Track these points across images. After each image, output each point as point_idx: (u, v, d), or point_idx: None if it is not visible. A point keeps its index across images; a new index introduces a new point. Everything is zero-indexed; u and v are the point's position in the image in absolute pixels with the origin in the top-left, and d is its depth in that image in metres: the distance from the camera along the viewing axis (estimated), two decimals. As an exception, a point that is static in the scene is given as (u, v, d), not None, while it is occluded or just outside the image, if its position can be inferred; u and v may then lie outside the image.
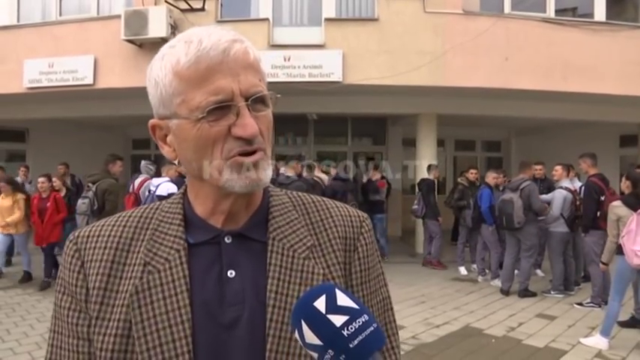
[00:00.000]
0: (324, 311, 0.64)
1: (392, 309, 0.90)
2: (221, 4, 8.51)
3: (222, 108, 0.72)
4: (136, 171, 8.77)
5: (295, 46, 8.23)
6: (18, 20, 9.50)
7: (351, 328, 0.63)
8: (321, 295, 0.66)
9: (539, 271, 7.93)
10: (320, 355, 0.64)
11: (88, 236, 0.82)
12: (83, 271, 0.79)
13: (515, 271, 6.99)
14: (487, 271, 7.73)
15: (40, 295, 6.46)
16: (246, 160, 0.75)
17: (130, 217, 0.84)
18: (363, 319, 0.64)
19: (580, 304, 6.18)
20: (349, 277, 0.83)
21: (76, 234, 0.83)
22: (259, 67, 0.78)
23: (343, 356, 0.62)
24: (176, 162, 0.87)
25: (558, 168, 6.78)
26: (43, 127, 12.52)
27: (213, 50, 0.72)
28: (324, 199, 0.92)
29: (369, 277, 0.86)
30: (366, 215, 0.91)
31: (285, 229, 0.83)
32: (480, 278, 7.71)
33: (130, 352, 0.73)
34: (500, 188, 7.80)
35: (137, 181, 6.72)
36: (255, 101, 0.75)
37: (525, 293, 6.59)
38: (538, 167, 7.72)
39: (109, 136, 13.61)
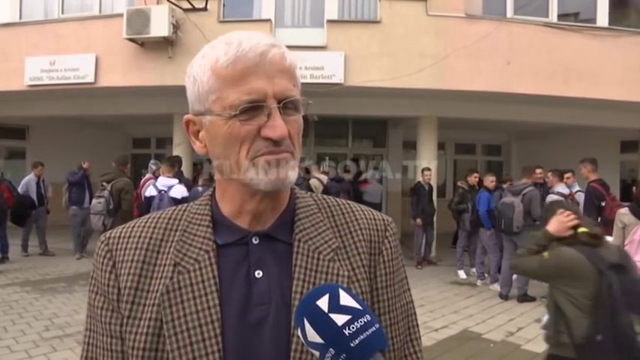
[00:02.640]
0: (326, 310, 0.65)
1: (415, 313, 0.91)
2: (223, 4, 8.50)
3: (254, 108, 0.75)
4: (137, 170, 8.77)
5: (297, 47, 8.20)
6: (20, 17, 9.50)
7: (353, 328, 0.63)
8: (325, 294, 0.67)
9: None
10: (321, 353, 0.65)
11: (120, 237, 0.84)
12: (115, 271, 0.81)
13: (514, 276, 6.97)
14: (486, 275, 7.71)
15: (37, 294, 6.45)
16: (272, 157, 0.76)
17: (159, 218, 0.87)
18: (365, 320, 0.65)
19: (579, 309, 6.15)
20: (374, 280, 0.84)
21: (108, 235, 0.85)
22: (294, 72, 0.81)
23: (344, 355, 0.63)
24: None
25: (549, 174, 6.91)
26: (44, 124, 12.54)
27: (251, 52, 0.75)
28: (349, 202, 0.93)
29: (393, 281, 0.87)
30: (390, 219, 0.92)
31: (310, 230, 0.84)
32: (479, 282, 7.69)
33: (161, 351, 0.75)
34: (503, 191, 7.80)
35: (142, 181, 6.77)
36: (287, 105, 0.77)
37: (524, 298, 6.58)
38: (538, 171, 7.71)
39: (109, 134, 13.60)
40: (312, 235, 0.83)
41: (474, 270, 8.10)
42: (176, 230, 0.84)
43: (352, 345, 0.62)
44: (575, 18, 9.15)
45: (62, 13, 9.26)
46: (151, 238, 0.83)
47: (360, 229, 0.87)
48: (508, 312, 6.13)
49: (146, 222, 0.86)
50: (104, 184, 6.13)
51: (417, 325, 0.91)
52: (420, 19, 8.08)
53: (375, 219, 0.90)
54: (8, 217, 8.27)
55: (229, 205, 0.84)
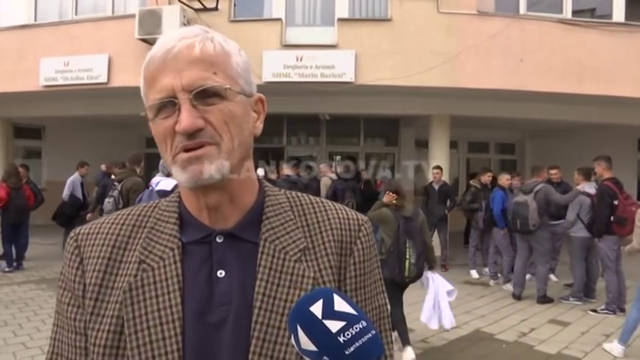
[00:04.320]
0: (320, 316, 0.63)
1: (388, 317, 0.88)
2: (234, 4, 8.53)
3: (167, 105, 0.74)
4: (150, 169, 8.78)
5: (308, 46, 8.22)
6: (35, 19, 9.63)
7: (348, 335, 0.61)
8: (319, 299, 0.64)
9: (552, 276, 7.82)
10: None
11: (88, 233, 0.84)
12: (82, 267, 0.81)
13: (527, 276, 6.91)
14: (499, 275, 7.65)
15: (52, 291, 6.54)
16: (185, 155, 0.74)
17: (129, 214, 0.86)
18: (361, 326, 0.62)
19: (594, 310, 6.07)
20: (343, 282, 0.82)
21: (77, 231, 0.85)
22: (215, 58, 0.76)
23: None
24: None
25: (575, 174, 6.65)
26: (59, 124, 12.70)
27: (159, 51, 0.75)
28: (325, 200, 0.90)
29: (364, 283, 0.84)
30: (366, 219, 0.89)
31: (278, 230, 0.82)
32: (491, 282, 7.62)
33: (121, 348, 0.74)
34: (514, 191, 7.73)
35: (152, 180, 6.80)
36: (204, 95, 0.74)
37: (544, 300, 6.48)
38: (553, 172, 7.62)
39: (123, 134, 13.70)
40: (280, 235, 0.81)
41: (486, 270, 8.03)
42: (144, 227, 0.83)
43: (347, 353, 0.60)
44: (591, 14, 9.02)
45: (76, 14, 9.38)
46: (118, 234, 0.82)
47: (331, 228, 0.84)
48: (521, 312, 6.06)
49: (115, 218, 0.85)
50: (115, 183, 6.20)
51: (390, 329, 0.88)
52: (431, 17, 8.03)
53: (348, 218, 0.86)
54: (29, 216, 8.35)
55: (188, 202, 0.83)
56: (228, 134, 0.76)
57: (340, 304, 0.64)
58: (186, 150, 0.74)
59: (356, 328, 0.62)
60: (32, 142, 13.38)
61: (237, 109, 0.77)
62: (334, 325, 0.62)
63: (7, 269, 7.55)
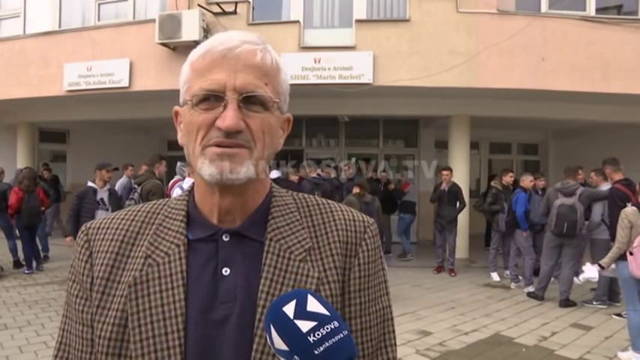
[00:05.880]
0: (291, 316, 0.63)
1: (392, 319, 0.88)
2: (253, 7, 8.58)
3: (213, 98, 0.76)
4: (172, 172, 8.89)
5: (326, 47, 8.21)
6: (59, 26, 9.86)
7: (318, 335, 0.62)
8: (292, 300, 0.65)
9: (576, 279, 7.62)
10: None
11: (99, 228, 0.86)
12: (91, 260, 0.83)
13: (551, 279, 6.76)
14: (520, 277, 7.51)
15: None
16: (218, 149, 0.76)
17: (139, 211, 0.88)
18: (332, 326, 0.63)
19: (619, 314, 5.90)
20: (347, 283, 0.82)
21: (88, 225, 0.88)
22: (269, 71, 0.80)
23: None
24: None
25: (592, 174, 6.60)
26: (83, 128, 12.98)
27: (220, 46, 0.78)
28: (332, 202, 0.91)
29: (368, 285, 0.84)
30: (372, 221, 0.89)
31: (284, 229, 0.83)
32: (512, 285, 7.49)
33: (126, 341, 0.76)
34: (539, 192, 7.60)
35: (171, 183, 6.87)
36: (250, 101, 0.77)
37: (567, 303, 6.33)
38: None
39: (145, 137, 13.95)
40: (286, 234, 0.82)
41: (507, 272, 7.90)
42: (152, 224, 0.85)
43: (316, 352, 0.61)
44: (618, 11, 8.80)
45: (98, 20, 9.57)
46: (127, 230, 0.84)
47: (337, 229, 0.85)
48: (542, 316, 5.94)
49: (126, 214, 0.88)
50: (135, 186, 6.31)
51: (394, 331, 0.88)
52: (450, 16, 7.94)
53: (354, 220, 0.87)
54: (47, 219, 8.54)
55: (200, 200, 0.85)
56: (262, 143, 0.79)
57: (313, 305, 0.65)
58: (219, 145, 0.76)
59: (327, 328, 0.62)
60: (57, 146, 13.70)
61: (274, 122, 0.82)
62: (305, 325, 0.62)
63: (26, 271, 7.73)
